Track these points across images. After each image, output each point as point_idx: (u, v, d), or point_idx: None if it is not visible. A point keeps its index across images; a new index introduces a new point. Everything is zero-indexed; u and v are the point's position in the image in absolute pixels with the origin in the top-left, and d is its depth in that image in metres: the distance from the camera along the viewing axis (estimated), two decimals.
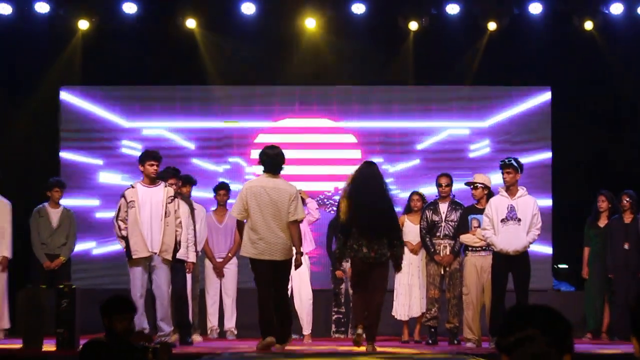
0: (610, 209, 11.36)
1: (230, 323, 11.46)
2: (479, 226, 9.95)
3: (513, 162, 9.69)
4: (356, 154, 13.50)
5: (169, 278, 9.54)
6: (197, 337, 10.67)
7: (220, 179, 12.27)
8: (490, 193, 10.22)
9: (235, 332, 11.41)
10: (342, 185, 12.86)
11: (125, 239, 9.31)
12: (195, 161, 13.40)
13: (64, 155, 13.32)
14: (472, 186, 10.39)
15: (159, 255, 9.36)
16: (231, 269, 11.47)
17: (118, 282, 11.76)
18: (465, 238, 10.30)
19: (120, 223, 9.35)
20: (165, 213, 9.40)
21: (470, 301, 10.16)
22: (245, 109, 13.56)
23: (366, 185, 9.17)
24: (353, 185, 9.29)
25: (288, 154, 13.18)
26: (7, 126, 13.26)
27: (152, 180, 9.46)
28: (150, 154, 9.56)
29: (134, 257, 9.30)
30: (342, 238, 9.22)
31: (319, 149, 13.52)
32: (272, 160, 9.18)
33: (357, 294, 9.32)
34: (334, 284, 11.59)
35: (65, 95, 13.40)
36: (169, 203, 9.45)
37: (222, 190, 11.57)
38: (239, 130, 13.51)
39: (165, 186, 9.59)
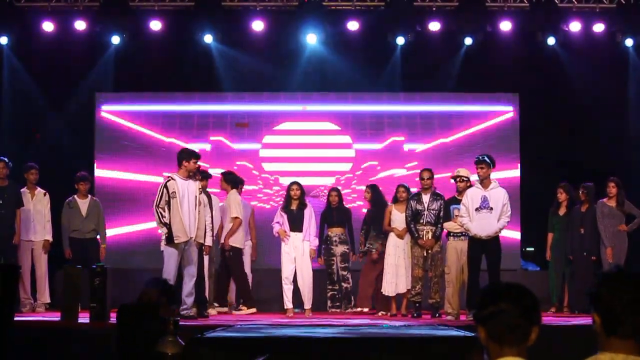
0: (568, 200, 11.29)
1: None
2: None
3: (486, 158, 9.68)
4: (350, 153, 13.42)
5: (197, 259, 9.53)
6: (212, 311, 10.61)
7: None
8: (470, 185, 10.18)
9: None
10: (333, 180, 12.89)
11: (168, 225, 9.21)
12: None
13: (99, 145, 13.30)
14: (458, 179, 10.31)
15: (194, 240, 9.35)
16: (246, 252, 11.37)
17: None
18: (447, 225, 10.35)
19: (161, 210, 9.24)
20: (198, 203, 9.38)
21: (450, 280, 10.18)
22: (254, 112, 13.47)
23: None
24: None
25: (291, 152, 13.29)
26: (47, 126, 13.22)
27: (189, 175, 9.39)
28: (196, 154, 9.56)
29: (176, 241, 9.22)
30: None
31: (318, 148, 13.42)
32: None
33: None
34: (327, 265, 11.48)
35: (100, 99, 13.35)
36: (199, 194, 9.48)
37: None
38: (248, 131, 13.42)
39: (195, 180, 9.55)
